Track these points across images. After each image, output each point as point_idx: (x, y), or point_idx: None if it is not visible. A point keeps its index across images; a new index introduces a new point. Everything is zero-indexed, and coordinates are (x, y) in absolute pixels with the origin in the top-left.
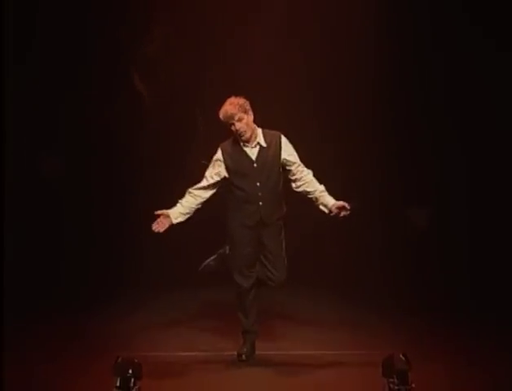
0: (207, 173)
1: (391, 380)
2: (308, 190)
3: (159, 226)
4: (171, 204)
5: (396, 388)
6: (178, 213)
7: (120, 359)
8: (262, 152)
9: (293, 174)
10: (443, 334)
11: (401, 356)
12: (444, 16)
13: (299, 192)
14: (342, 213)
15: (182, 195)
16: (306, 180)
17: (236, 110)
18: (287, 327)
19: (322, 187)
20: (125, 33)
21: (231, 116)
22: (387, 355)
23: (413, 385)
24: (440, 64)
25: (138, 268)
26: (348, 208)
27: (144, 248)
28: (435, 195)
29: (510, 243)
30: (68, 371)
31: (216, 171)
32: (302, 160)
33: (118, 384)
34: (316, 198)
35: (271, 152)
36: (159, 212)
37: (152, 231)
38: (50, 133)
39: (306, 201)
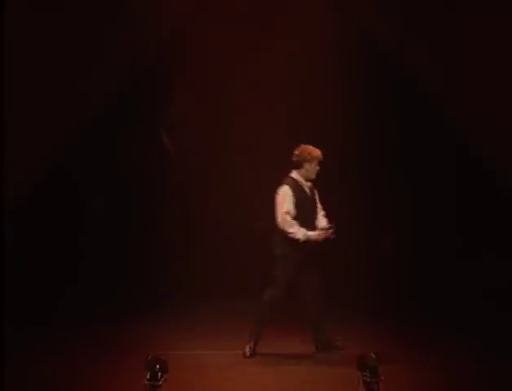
0: (289, 208)
1: (364, 373)
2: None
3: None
4: None
5: (368, 380)
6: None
7: (149, 357)
8: (311, 187)
9: None
10: (404, 336)
11: (372, 354)
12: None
13: None
14: (329, 233)
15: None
16: None
17: None
18: (278, 331)
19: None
20: (154, 101)
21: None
22: (360, 354)
23: (382, 378)
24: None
25: (172, 281)
26: (331, 228)
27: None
28: (396, 222)
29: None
30: (111, 367)
31: (292, 202)
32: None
33: (148, 377)
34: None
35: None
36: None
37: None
38: (101, 177)
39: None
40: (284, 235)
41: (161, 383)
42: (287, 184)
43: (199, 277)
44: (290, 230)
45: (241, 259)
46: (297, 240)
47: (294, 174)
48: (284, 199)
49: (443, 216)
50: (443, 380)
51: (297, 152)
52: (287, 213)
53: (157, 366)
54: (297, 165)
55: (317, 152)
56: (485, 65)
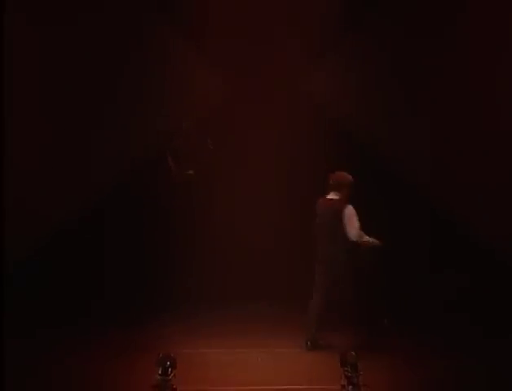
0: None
1: (346, 368)
2: None
3: None
4: None
5: (349, 374)
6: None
7: (161, 355)
8: None
9: None
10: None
11: (352, 352)
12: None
13: None
14: None
15: None
16: None
17: None
18: (273, 330)
19: None
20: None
21: None
22: (343, 352)
23: (361, 373)
24: None
25: (181, 287)
26: None
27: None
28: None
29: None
30: (127, 364)
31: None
32: None
33: (160, 372)
34: None
35: None
36: None
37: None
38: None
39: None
40: (349, 243)
41: (170, 377)
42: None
43: (206, 281)
44: (366, 238)
45: (248, 264)
46: (357, 247)
47: (334, 195)
48: (355, 215)
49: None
50: (409, 368)
51: (335, 177)
52: (358, 226)
53: (167, 363)
54: (336, 188)
55: (350, 178)
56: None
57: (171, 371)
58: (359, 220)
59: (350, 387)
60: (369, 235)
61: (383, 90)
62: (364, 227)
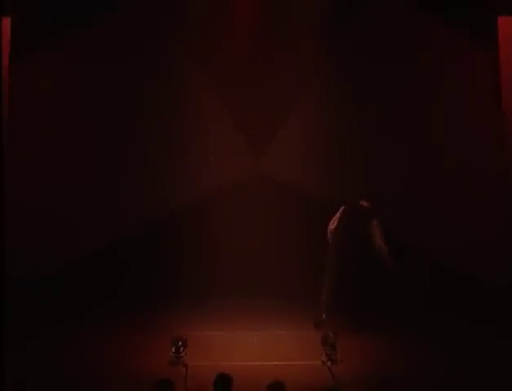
0: None
1: (326, 347)
2: None
3: None
4: None
5: (328, 352)
6: None
7: (174, 336)
8: None
9: None
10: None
11: (331, 334)
12: None
13: None
14: None
15: None
16: None
17: None
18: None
19: None
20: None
21: None
22: (323, 333)
23: (339, 351)
24: None
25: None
26: None
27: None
28: None
29: None
30: (146, 343)
31: None
32: None
33: (173, 350)
34: None
35: None
36: None
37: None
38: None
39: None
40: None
41: (182, 355)
42: None
43: (212, 274)
44: None
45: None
46: None
47: None
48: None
49: None
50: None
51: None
52: None
53: (180, 343)
54: None
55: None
56: None
57: (183, 350)
58: None
59: (329, 362)
60: None
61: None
62: None
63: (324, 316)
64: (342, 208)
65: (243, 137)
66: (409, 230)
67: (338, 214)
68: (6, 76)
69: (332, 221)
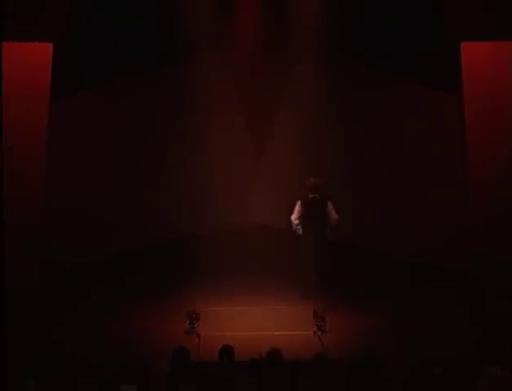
0: None
1: (317, 320)
2: None
3: None
4: None
5: (319, 324)
6: None
7: (189, 310)
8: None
9: None
10: (345, 297)
11: (321, 309)
12: None
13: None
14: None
15: None
16: None
17: None
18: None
19: None
20: None
21: None
22: (315, 308)
23: (328, 324)
24: None
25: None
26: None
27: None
28: None
29: None
30: (166, 315)
31: None
32: None
33: (188, 322)
34: None
35: None
36: None
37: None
38: None
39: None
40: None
41: (196, 326)
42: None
43: (221, 258)
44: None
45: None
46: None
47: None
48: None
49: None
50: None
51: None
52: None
53: (193, 316)
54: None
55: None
56: None
57: (196, 322)
58: None
59: (319, 332)
60: None
61: None
62: None
63: (303, 295)
64: (299, 201)
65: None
66: (388, 227)
67: (297, 207)
68: (47, 100)
69: (294, 214)
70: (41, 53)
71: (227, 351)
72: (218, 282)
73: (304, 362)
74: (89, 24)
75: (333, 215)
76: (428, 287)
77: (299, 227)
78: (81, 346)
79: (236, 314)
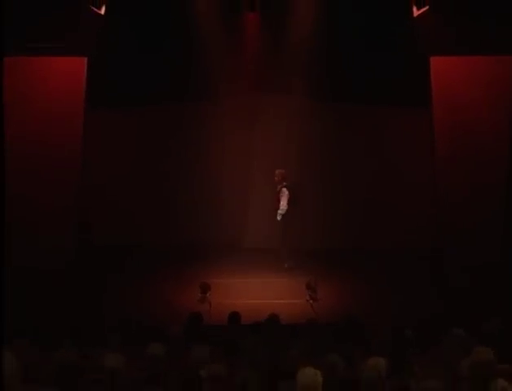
0: None
1: (309, 290)
2: None
3: None
4: None
5: (311, 293)
6: None
7: (201, 282)
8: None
9: None
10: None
11: (313, 281)
12: None
13: None
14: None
15: None
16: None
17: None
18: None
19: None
20: None
21: None
22: (308, 280)
23: (318, 294)
24: None
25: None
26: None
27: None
28: None
29: None
30: (181, 285)
31: None
32: None
33: (200, 292)
34: None
35: None
36: None
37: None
38: None
39: None
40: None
41: (207, 295)
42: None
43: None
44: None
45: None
46: None
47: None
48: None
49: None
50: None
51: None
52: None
53: (205, 287)
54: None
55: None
56: None
57: (207, 291)
58: None
59: (311, 301)
60: None
61: None
62: None
63: (286, 265)
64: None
65: None
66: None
67: (284, 194)
68: (82, 107)
69: (282, 200)
70: (76, 66)
71: (234, 316)
72: (227, 257)
73: (298, 325)
74: (119, 44)
75: (283, 199)
76: (404, 264)
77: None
78: (115, 310)
79: (241, 285)
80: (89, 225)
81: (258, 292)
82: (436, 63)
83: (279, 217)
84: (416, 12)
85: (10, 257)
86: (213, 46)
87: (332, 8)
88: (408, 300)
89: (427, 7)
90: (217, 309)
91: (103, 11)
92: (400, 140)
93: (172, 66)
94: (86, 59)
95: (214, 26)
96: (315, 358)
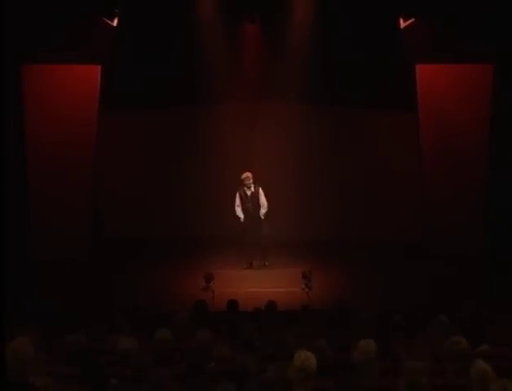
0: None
1: (305, 279)
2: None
3: None
4: None
5: (306, 282)
6: None
7: (205, 272)
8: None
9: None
10: (331, 251)
11: (308, 271)
12: None
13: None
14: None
15: None
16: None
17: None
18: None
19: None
20: None
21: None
22: (303, 270)
23: (313, 282)
24: None
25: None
26: None
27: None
28: None
29: None
30: (188, 275)
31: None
32: None
33: (205, 281)
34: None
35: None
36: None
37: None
38: None
39: None
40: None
41: (211, 284)
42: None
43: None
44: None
45: None
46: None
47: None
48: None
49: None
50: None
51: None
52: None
53: (209, 276)
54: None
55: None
56: None
57: (211, 281)
58: None
59: (307, 289)
60: None
61: None
62: None
63: (266, 263)
64: (237, 193)
65: None
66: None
67: (237, 198)
68: (96, 111)
69: (261, 199)
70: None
71: (233, 304)
72: (228, 249)
73: (294, 311)
74: (130, 53)
75: (262, 198)
76: (394, 256)
77: (241, 213)
78: (127, 298)
79: (241, 275)
80: (102, 221)
81: (258, 282)
82: (421, 70)
83: (262, 216)
84: (402, 24)
85: (31, 250)
86: (216, 55)
87: (327, 20)
88: (397, 287)
89: (413, 20)
90: (220, 298)
91: (115, 23)
92: (390, 141)
93: (178, 73)
94: (99, 67)
95: (217, 37)
96: (310, 342)
